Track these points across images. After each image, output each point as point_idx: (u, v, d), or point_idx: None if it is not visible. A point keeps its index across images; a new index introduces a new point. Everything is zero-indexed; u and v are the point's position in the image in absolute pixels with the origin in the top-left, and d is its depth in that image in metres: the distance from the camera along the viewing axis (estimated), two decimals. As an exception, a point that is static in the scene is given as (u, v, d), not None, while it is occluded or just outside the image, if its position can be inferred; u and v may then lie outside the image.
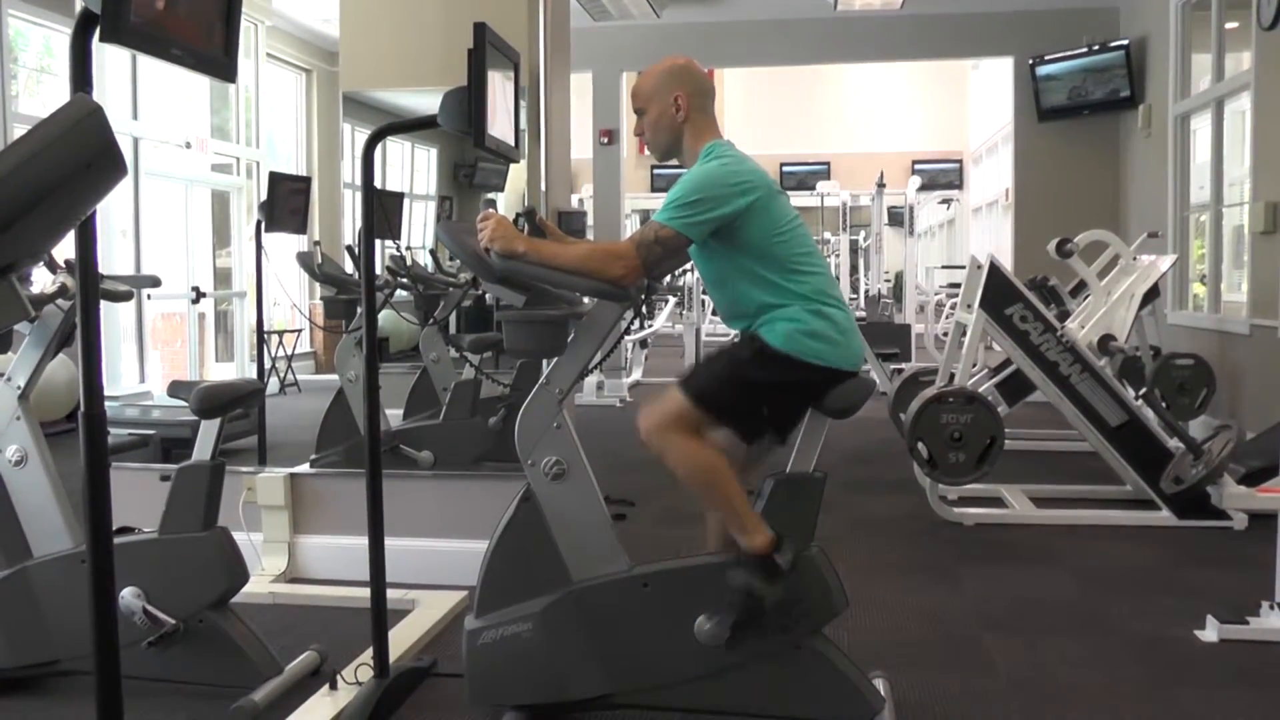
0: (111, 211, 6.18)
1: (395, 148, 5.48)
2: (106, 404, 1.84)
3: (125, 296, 3.80)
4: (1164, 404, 6.19)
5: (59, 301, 3.22)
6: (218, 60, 2.08)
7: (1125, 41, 9.38)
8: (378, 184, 3.01)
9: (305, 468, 4.58)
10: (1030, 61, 9.95)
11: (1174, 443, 5.09)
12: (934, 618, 3.90)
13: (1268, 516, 3.80)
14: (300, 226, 5.31)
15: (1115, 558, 4.65)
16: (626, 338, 9.90)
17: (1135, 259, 6.50)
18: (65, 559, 3.11)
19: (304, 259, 5.44)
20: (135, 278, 5.30)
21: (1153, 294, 6.60)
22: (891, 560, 4.66)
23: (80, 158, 1.36)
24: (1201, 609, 3.76)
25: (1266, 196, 6.53)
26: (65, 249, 1.69)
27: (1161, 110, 8.70)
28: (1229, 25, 7.60)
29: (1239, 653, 3.51)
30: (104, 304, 3.29)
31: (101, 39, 1.72)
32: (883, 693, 2.87)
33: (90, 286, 1.79)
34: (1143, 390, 6.18)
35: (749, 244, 2.71)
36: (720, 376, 2.77)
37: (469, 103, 2.83)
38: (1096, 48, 9.54)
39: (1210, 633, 3.63)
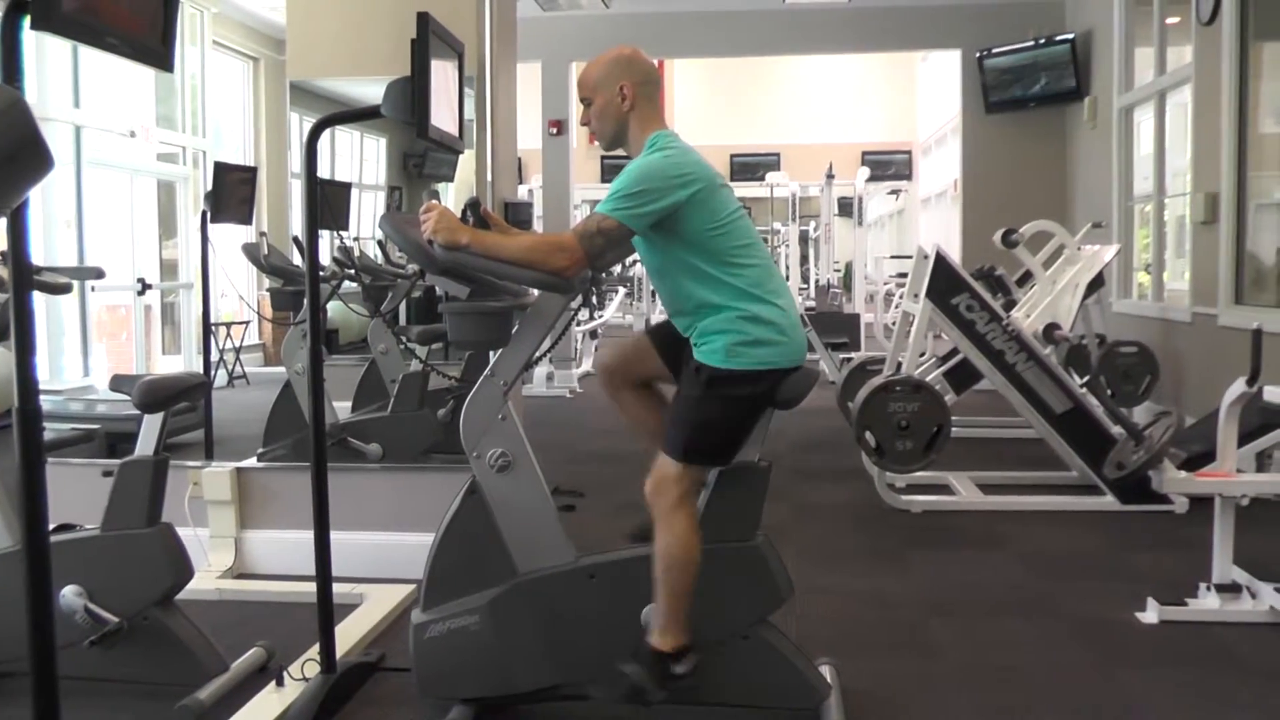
0: (54, 201, 6.10)
1: (344, 137, 5.43)
2: (49, 399, 1.82)
3: (64, 289, 3.73)
4: (1108, 391, 6.27)
5: (-4, 293, 3.17)
6: (155, 49, 2.05)
7: (1071, 35, 9.48)
8: (325, 174, 3.00)
9: (252, 461, 4.53)
10: (978, 54, 10.03)
11: (1117, 429, 5.16)
12: (881, 603, 3.94)
13: (1207, 500, 3.86)
14: (246, 217, 5.26)
15: (1060, 542, 4.71)
16: (576, 329, 9.90)
17: (1080, 249, 6.58)
18: (4, 557, 3.06)
19: (250, 250, 5.39)
20: (78, 269, 5.24)
21: (1097, 283, 6.69)
22: (839, 547, 4.70)
23: (2, 151, 1.33)
24: (1142, 591, 3.82)
25: (1206, 187, 6.63)
26: (1, 240, 1.66)
27: (1106, 102, 8.81)
28: (1170, 20, 7.71)
29: (1178, 633, 3.57)
30: (46, 297, 3.25)
31: (32, 27, 1.69)
32: (829, 679, 2.89)
33: (23, 278, 1.77)
34: (1087, 378, 6.26)
35: (687, 236, 2.71)
36: (691, 425, 2.76)
37: (412, 93, 2.81)
38: (1043, 41, 9.63)
39: (1151, 614, 3.69)
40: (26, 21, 1.67)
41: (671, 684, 2.69)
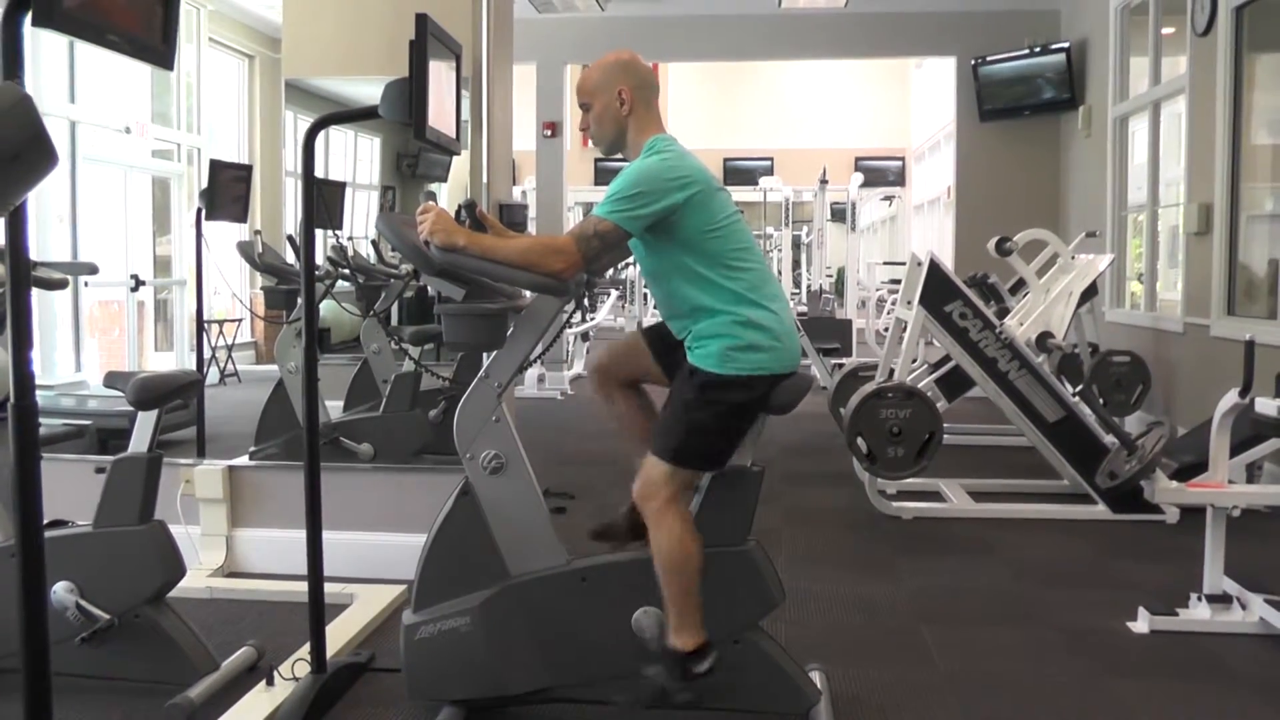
0: (48, 197, 6.08)
1: (338, 136, 5.42)
2: (41, 394, 1.81)
3: (60, 284, 3.73)
4: (1100, 400, 6.28)
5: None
6: (155, 47, 2.05)
7: (1066, 44, 9.50)
8: (320, 173, 2.99)
9: (244, 460, 4.53)
10: (973, 62, 10.05)
11: (1109, 438, 5.17)
12: (872, 610, 3.94)
13: (1198, 511, 3.87)
14: (241, 215, 5.24)
15: (1051, 551, 4.72)
16: (568, 331, 9.89)
17: (1073, 257, 6.59)
18: (-4, 553, 3.06)
19: (244, 248, 5.38)
20: (72, 265, 5.22)
21: (1090, 292, 6.71)
22: (830, 553, 4.70)
23: (7, 149, 1.33)
24: (1133, 601, 3.83)
25: (1200, 198, 6.65)
26: (-3, 236, 1.66)
27: (1101, 112, 8.83)
28: (1166, 30, 7.73)
29: (1169, 643, 3.58)
30: (39, 292, 3.24)
31: (34, 23, 1.69)
32: (819, 685, 2.90)
33: (21, 275, 1.76)
34: (1080, 387, 6.27)
35: (684, 239, 2.71)
36: (683, 428, 2.75)
37: (409, 94, 2.81)
38: (1038, 49, 9.65)
39: (1142, 624, 3.70)
40: (28, 18, 1.67)
41: (695, 683, 2.68)
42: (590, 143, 3.01)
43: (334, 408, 4.87)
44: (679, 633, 2.70)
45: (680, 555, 2.68)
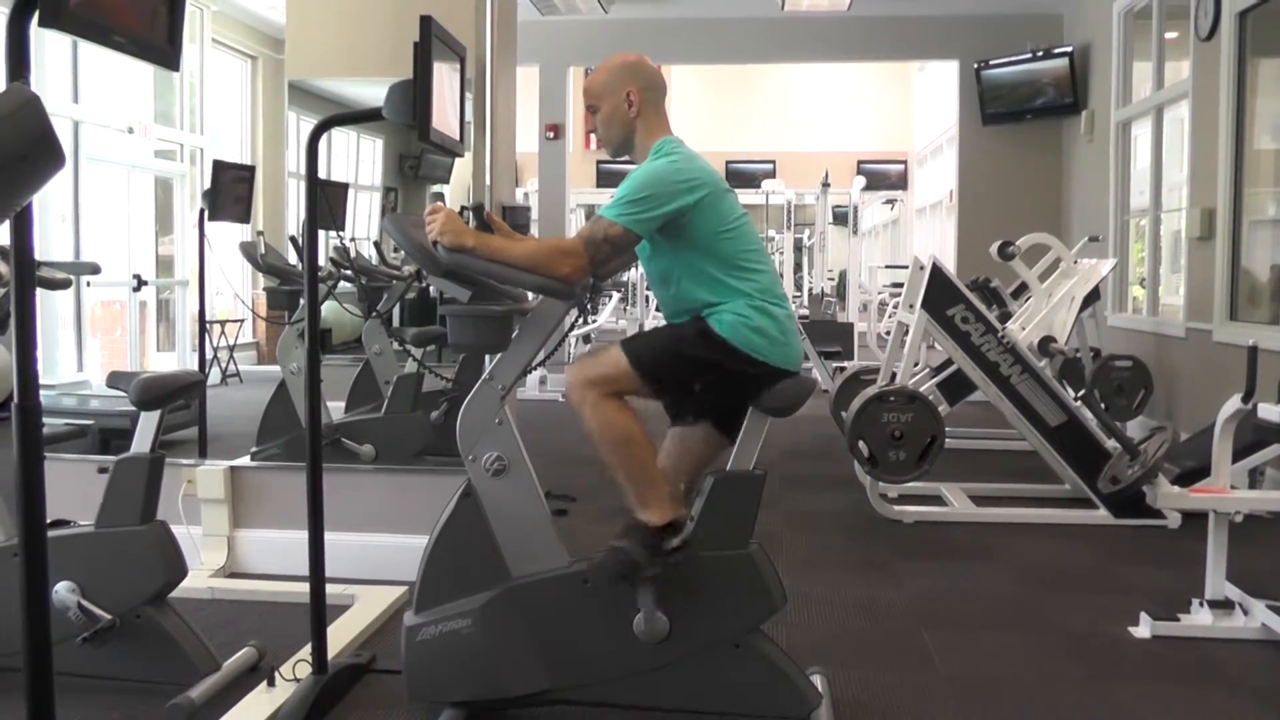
0: (50, 197, 6.08)
1: (341, 137, 5.42)
2: (43, 393, 1.81)
3: (64, 284, 3.73)
4: (1102, 405, 6.28)
5: (-7, 289, 3.16)
6: (161, 48, 2.05)
7: (1069, 48, 9.50)
8: (322, 174, 2.99)
9: (246, 460, 4.53)
10: (975, 65, 10.05)
11: (1111, 443, 5.17)
12: (873, 614, 3.94)
13: (1200, 516, 3.86)
14: (244, 215, 5.25)
15: (1052, 555, 4.71)
16: (570, 333, 9.87)
17: (1076, 262, 6.59)
18: (-2, 552, 3.06)
19: (247, 249, 5.38)
20: (74, 264, 5.22)
21: (1093, 296, 6.70)
22: (831, 557, 4.70)
23: (15, 149, 1.33)
24: (1135, 606, 3.82)
25: (1202, 203, 6.64)
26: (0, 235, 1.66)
27: (1103, 116, 8.83)
28: (1169, 35, 7.73)
29: (1170, 649, 3.58)
30: (41, 291, 3.24)
31: (41, 24, 1.69)
32: (820, 689, 2.89)
33: (26, 275, 1.76)
34: (1082, 391, 6.27)
35: (695, 241, 2.72)
36: (661, 345, 2.80)
37: (414, 96, 2.81)
38: (1041, 53, 9.65)
39: (1143, 629, 3.70)
40: (34, 19, 1.67)
41: (664, 559, 2.69)
42: (596, 144, 3.01)
43: (336, 409, 4.87)
44: (643, 508, 2.71)
45: (623, 432, 2.69)
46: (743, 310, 2.74)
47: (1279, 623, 3.53)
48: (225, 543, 4.30)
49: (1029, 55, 9.71)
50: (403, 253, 4.84)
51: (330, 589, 3.10)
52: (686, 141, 2.87)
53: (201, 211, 5.10)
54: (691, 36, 10.56)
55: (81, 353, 6.28)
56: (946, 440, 5.13)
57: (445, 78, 3.01)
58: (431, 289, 4.99)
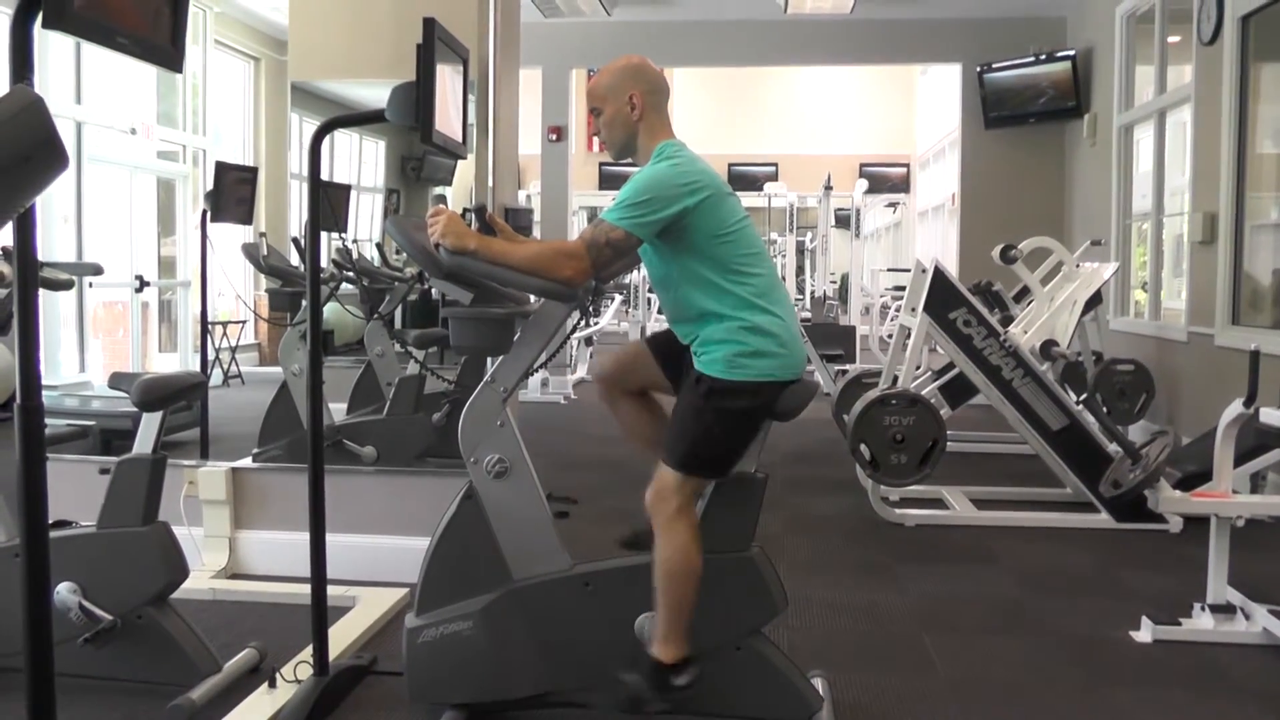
0: (53, 197, 6.09)
1: (343, 139, 5.43)
2: (45, 394, 1.81)
3: (66, 285, 3.74)
4: (1104, 409, 6.27)
5: (-5, 289, 3.17)
6: (164, 49, 2.05)
7: (1072, 51, 9.50)
8: (325, 175, 2.99)
9: (247, 462, 4.53)
10: (978, 69, 10.05)
11: (1113, 447, 5.16)
12: (874, 617, 3.94)
13: (1202, 520, 3.86)
14: (246, 217, 5.25)
15: (1054, 559, 4.71)
16: (572, 335, 9.86)
17: (1078, 266, 6.59)
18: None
19: (249, 250, 5.39)
20: (77, 265, 5.23)
21: (1095, 300, 6.70)
22: (832, 560, 4.69)
23: (18, 151, 1.33)
24: (1137, 610, 3.82)
25: (1205, 207, 6.64)
26: (2, 235, 1.66)
27: (1106, 120, 8.83)
28: (1172, 39, 7.73)
29: (1172, 653, 3.57)
30: (43, 292, 3.24)
31: (45, 25, 1.69)
32: (821, 692, 2.89)
33: (28, 275, 1.76)
34: (1083, 395, 6.27)
35: (693, 244, 2.71)
36: (690, 435, 2.75)
37: (417, 98, 2.81)
38: (1043, 57, 9.65)
39: (1145, 633, 3.70)
40: (38, 20, 1.67)
41: (672, 695, 2.69)
42: (598, 146, 3.02)
43: (337, 410, 4.87)
44: (664, 643, 2.70)
45: (683, 566, 2.68)
46: (734, 336, 2.70)
47: (1280, 627, 3.53)
48: (227, 544, 4.30)
49: (1031, 59, 9.72)
50: (405, 254, 4.85)
51: (331, 590, 3.10)
52: (689, 144, 2.86)
53: (204, 213, 5.10)
54: (694, 39, 10.56)
55: (83, 353, 6.30)
56: (948, 444, 5.13)
57: (448, 80, 3.01)
58: (433, 291, 4.99)
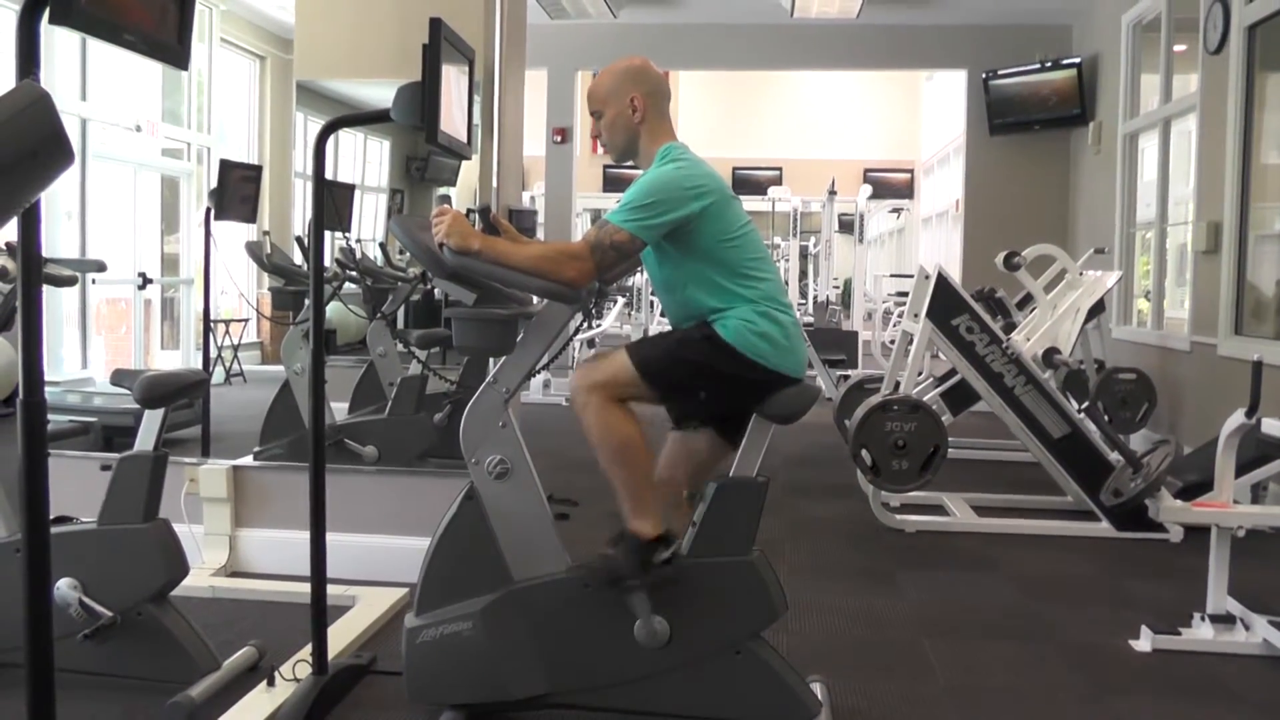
0: (57, 193, 6.10)
1: (348, 138, 5.43)
2: (47, 390, 1.81)
3: (69, 281, 3.75)
4: (1106, 417, 6.27)
5: (-1, 284, 3.17)
6: (171, 46, 2.05)
7: (1077, 59, 9.50)
8: (329, 175, 2.99)
9: (249, 460, 4.53)
10: (983, 75, 10.05)
11: (1114, 456, 5.16)
12: (874, 622, 3.93)
13: (1203, 530, 3.86)
14: (250, 215, 5.26)
15: (1054, 567, 4.71)
16: (575, 337, 9.88)
17: (1081, 274, 6.59)
18: (0, 548, 3.06)
19: (253, 248, 5.39)
20: (80, 261, 5.23)
21: (1098, 309, 6.70)
22: (832, 565, 4.69)
23: (25, 146, 1.34)
24: (1136, 619, 3.82)
25: (1209, 216, 6.64)
26: (6, 231, 1.67)
27: (1111, 128, 8.83)
28: (1178, 48, 7.73)
29: (1171, 662, 3.57)
30: (46, 288, 3.24)
31: (51, 21, 1.69)
32: (820, 697, 2.89)
33: (32, 271, 1.76)
34: (1085, 403, 6.27)
35: (700, 248, 2.72)
36: (667, 350, 2.79)
37: (422, 98, 2.81)
38: (1049, 64, 9.66)
39: (1144, 642, 3.69)
40: (45, 16, 1.67)
41: (652, 571, 2.70)
42: (601, 149, 3.01)
43: (339, 409, 4.87)
44: (637, 518, 2.72)
45: (624, 439, 2.70)
46: (748, 316, 2.74)
47: (1280, 638, 3.53)
48: (227, 542, 4.30)
49: (1037, 66, 9.72)
50: (408, 254, 4.85)
51: (331, 590, 3.10)
52: (693, 147, 2.87)
53: (207, 210, 5.11)
54: (700, 42, 10.56)
55: (86, 350, 6.30)
56: (949, 450, 5.13)
57: (454, 80, 3.01)
58: (436, 291, 4.99)
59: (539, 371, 2.92)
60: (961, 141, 10.87)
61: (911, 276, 6.70)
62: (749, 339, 2.73)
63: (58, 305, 5.98)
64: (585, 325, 3.03)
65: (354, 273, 5.11)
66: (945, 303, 5.32)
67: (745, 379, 2.74)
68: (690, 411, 2.92)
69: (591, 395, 2.72)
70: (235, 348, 5.97)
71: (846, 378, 8.06)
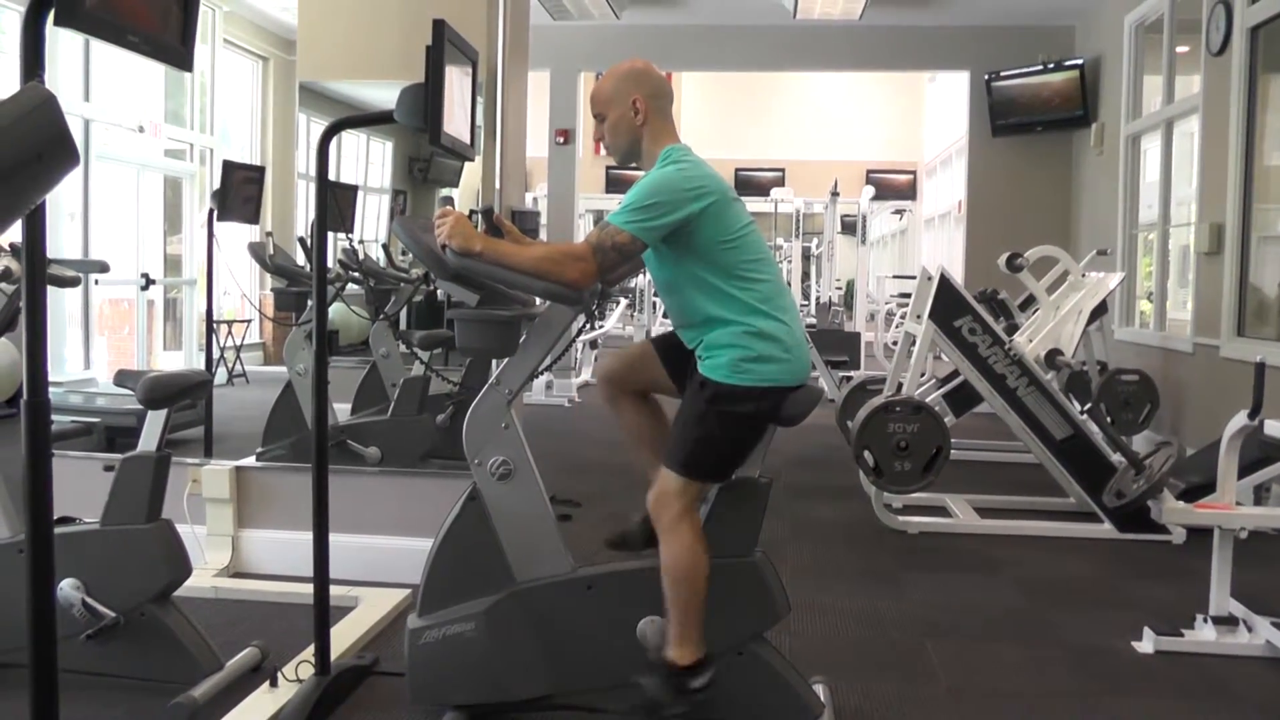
0: (60, 194, 6.11)
1: (351, 139, 5.44)
2: (50, 390, 1.81)
3: (73, 282, 3.74)
4: (1108, 419, 6.26)
5: (2, 285, 3.17)
6: (174, 48, 2.05)
7: (1080, 60, 9.49)
8: (332, 176, 2.99)
9: (251, 461, 4.53)
10: (986, 77, 10.04)
11: (1117, 457, 5.16)
12: (876, 623, 3.93)
13: (1205, 531, 3.86)
14: (253, 216, 5.26)
15: (1056, 569, 4.70)
16: (577, 338, 9.88)
17: (1084, 275, 6.59)
18: (3, 548, 3.06)
19: (255, 249, 5.39)
20: (83, 262, 5.24)
21: (1100, 310, 6.70)
22: (835, 566, 4.69)
23: (31, 148, 1.34)
24: (1139, 621, 3.82)
25: (1211, 218, 6.64)
26: (11, 232, 1.67)
27: (1113, 129, 8.82)
28: (1180, 49, 7.72)
29: (1173, 664, 3.57)
30: (50, 289, 3.25)
31: (56, 23, 1.70)
32: (823, 698, 2.89)
33: (37, 272, 1.76)
34: (1088, 405, 6.27)
35: (698, 249, 2.71)
36: (694, 440, 2.75)
37: (426, 100, 2.81)
38: (1052, 65, 9.65)
39: (1146, 644, 3.69)
40: (50, 17, 1.68)
41: (688, 698, 2.68)
42: (603, 151, 3.01)
43: (342, 410, 4.88)
44: (679, 645, 2.70)
45: (690, 568, 2.68)
46: (739, 341, 2.70)
47: (1283, 639, 3.53)
48: (230, 542, 4.30)
49: (1040, 67, 9.71)
50: (411, 255, 4.85)
51: (334, 590, 3.10)
52: (696, 148, 2.86)
53: (210, 211, 5.11)
54: (703, 43, 10.55)
55: (89, 350, 6.31)
56: (952, 451, 5.13)
57: (457, 81, 3.01)
58: (439, 292, 5.00)
59: (542, 373, 2.92)
60: (964, 143, 10.85)
61: (914, 278, 6.70)
62: (749, 369, 2.70)
63: (61, 306, 5.98)
64: (588, 326, 3.04)
65: (357, 274, 5.12)
66: (948, 304, 5.32)
67: (764, 405, 2.72)
68: (742, 459, 2.88)
69: (670, 522, 2.72)
70: (238, 348, 5.97)
71: (849, 379, 8.05)
